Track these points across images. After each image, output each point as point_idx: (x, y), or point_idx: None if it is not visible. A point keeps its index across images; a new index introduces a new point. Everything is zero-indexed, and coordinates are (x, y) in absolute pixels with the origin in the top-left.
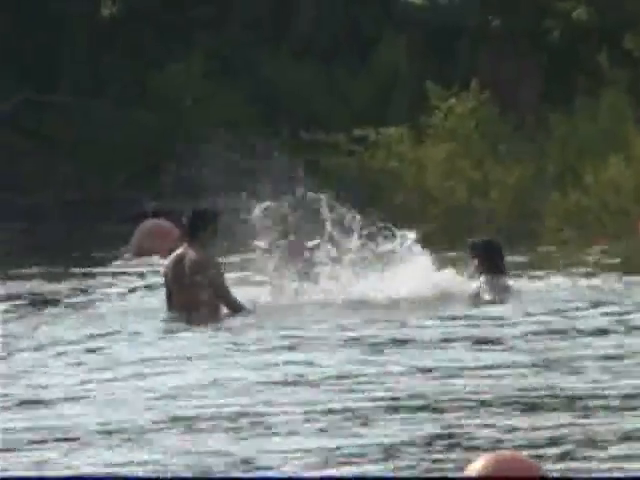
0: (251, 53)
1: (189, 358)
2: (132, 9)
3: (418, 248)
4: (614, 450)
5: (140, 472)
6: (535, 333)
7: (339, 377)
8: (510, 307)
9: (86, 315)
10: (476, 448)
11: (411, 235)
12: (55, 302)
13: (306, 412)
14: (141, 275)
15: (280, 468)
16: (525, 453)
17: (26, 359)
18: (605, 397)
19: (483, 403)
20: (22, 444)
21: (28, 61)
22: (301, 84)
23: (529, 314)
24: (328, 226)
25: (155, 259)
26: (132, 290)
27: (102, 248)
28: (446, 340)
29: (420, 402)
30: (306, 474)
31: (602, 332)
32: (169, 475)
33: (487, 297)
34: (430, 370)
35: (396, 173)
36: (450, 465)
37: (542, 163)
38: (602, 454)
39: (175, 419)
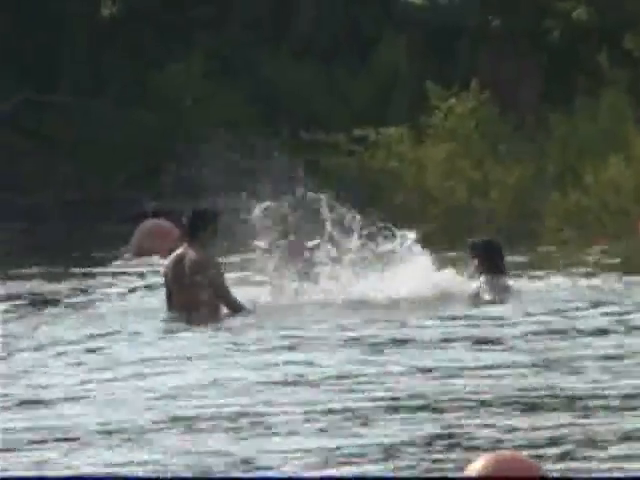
0: (251, 53)
1: (189, 358)
2: (132, 9)
3: (418, 248)
4: (614, 450)
5: (140, 472)
6: (535, 333)
7: (339, 377)
8: (510, 307)
9: (86, 315)
10: (476, 448)
11: (411, 235)
12: (55, 302)
13: (306, 412)
14: (141, 275)
15: (280, 468)
16: (525, 453)
17: (26, 359)
18: (605, 397)
19: (483, 403)
20: (22, 444)
21: (28, 61)
22: (301, 84)
23: (529, 314)
24: (328, 226)
25: (155, 259)
26: (132, 290)
27: (102, 248)
28: (446, 340)
29: (420, 402)
30: (306, 474)
31: (602, 332)
32: (169, 475)
33: (487, 297)
34: (430, 370)
35: (396, 173)
36: (450, 465)
37: (542, 163)
38: (602, 454)
39: (175, 419)
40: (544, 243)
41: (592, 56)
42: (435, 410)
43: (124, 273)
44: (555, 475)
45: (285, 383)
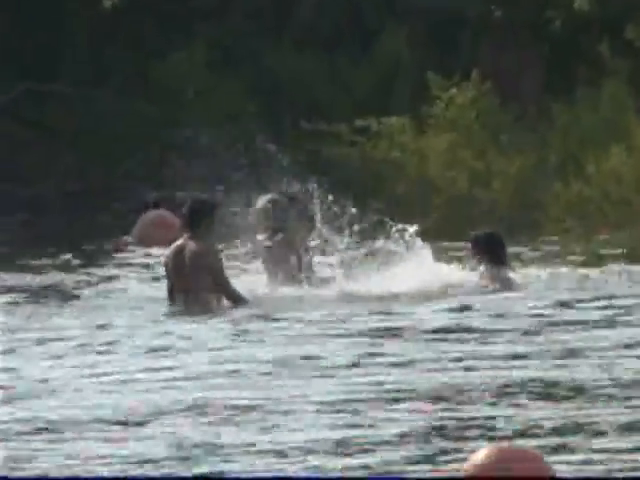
0: (253, 43)
1: (190, 348)
2: None
3: (419, 242)
4: (616, 440)
5: (141, 464)
6: (536, 324)
7: (338, 367)
8: (511, 298)
9: (87, 306)
10: (478, 438)
11: (412, 229)
12: (56, 293)
13: (306, 403)
14: (143, 265)
15: (281, 458)
16: (527, 443)
17: (27, 350)
18: (607, 387)
19: (484, 394)
20: (21, 434)
21: (29, 51)
22: (303, 74)
23: (530, 304)
24: (318, 222)
25: (157, 250)
26: (133, 281)
27: (104, 239)
28: (445, 331)
29: (421, 393)
30: (306, 474)
31: (604, 322)
32: (169, 473)
33: (488, 288)
34: (429, 361)
35: (398, 163)
36: (452, 456)
37: (544, 153)
38: (604, 445)
39: (175, 409)
40: (546, 233)
41: (593, 46)
42: (436, 401)
43: (126, 264)
44: (557, 464)
45: (285, 374)
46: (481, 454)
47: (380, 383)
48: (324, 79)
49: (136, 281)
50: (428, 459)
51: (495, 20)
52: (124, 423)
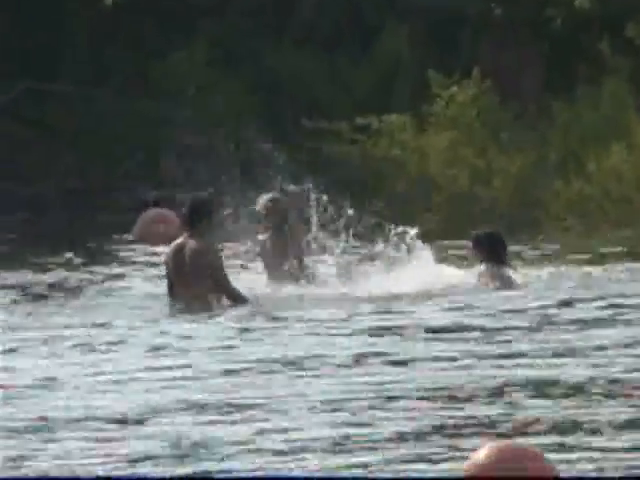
0: (253, 41)
1: (190, 347)
2: None
3: (419, 244)
4: (616, 439)
5: (141, 461)
6: (537, 322)
7: (340, 366)
8: (511, 297)
9: (88, 304)
10: (478, 437)
11: (412, 232)
12: (57, 291)
13: (307, 401)
14: (143, 264)
15: (281, 457)
16: (528, 441)
17: (27, 348)
18: (609, 386)
19: (485, 392)
20: (17, 431)
21: (30, 51)
22: (303, 72)
23: (531, 303)
24: (314, 225)
25: (157, 248)
26: (134, 279)
27: (104, 238)
28: (445, 330)
29: (422, 391)
30: (305, 473)
31: (605, 321)
32: (169, 473)
33: (488, 287)
34: (429, 360)
35: (399, 161)
36: (453, 454)
37: (544, 151)
38: (604, 443)
39: (175, 408)
40: (546, 231)
41: (594, 44)
42: (436, 399)
43: (126, 262)
44: (558, 462)
45: (285, 373)
46: (482, 452)
47: (380, 382)
48: (324, 78)
49: (138, 279)
50: (428, 457)
51: (495, 18)
52: (124, 422)
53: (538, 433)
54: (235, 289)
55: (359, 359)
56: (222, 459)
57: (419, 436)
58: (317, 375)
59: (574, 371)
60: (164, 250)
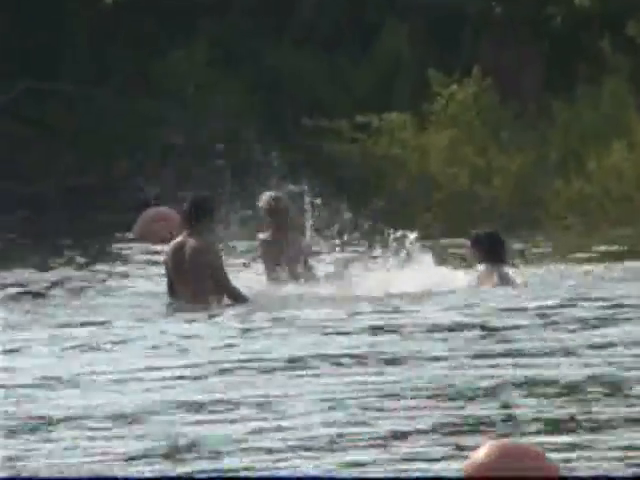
0: (254, 41)
1: (189, 346)
2: None
3: (419, 248)
4: (617, 438)
5: (140, 460)
6: (537, 321)
7: (339, 365)
8: (511, 296)
9: (88, 303)
10: (479, 435)
11: (412, 236)
12: (57, 290)
13: (308, 399)
14: (143, 262)
15: (281, 456)
16: (528, 440)
17: (26, 347)
18: (609, 385)
19: (485, 391)
20: (16, 430)
21: (30, 50)
22: (304, 72)
23: (530, 302)
24: (308, 229)
25: (157, 246)
26: (134, 278)
27: (104, 236)
28: (445, 329)
29: (423, 390)
30: (305, 472)
31: (605, 319)
32: (170, 475)
33: (488, 287)
34: (429, 359)
35: (399, 160)
36: (454, 452)
37: (544, 150)
38: (605, 442)
39: (176, 406)
40: (547, 230)
41: (594, 43)
42: (436, 398)
43: (126, 261)
44: (559, 460)
45: (285, 371)
46: (482, 451)
47: (379, 381)
48: (325, 77)
49: (138, 278)
50: (428, 456)
51: (495, 17)
52: (123, 420)
53: (538, 432)
54: (235, 288)
55: (358, 358)
56: (220, 458)
57: (418, 435)
58: (316, 374)
59: (574, 370)
60: (164, 249)
